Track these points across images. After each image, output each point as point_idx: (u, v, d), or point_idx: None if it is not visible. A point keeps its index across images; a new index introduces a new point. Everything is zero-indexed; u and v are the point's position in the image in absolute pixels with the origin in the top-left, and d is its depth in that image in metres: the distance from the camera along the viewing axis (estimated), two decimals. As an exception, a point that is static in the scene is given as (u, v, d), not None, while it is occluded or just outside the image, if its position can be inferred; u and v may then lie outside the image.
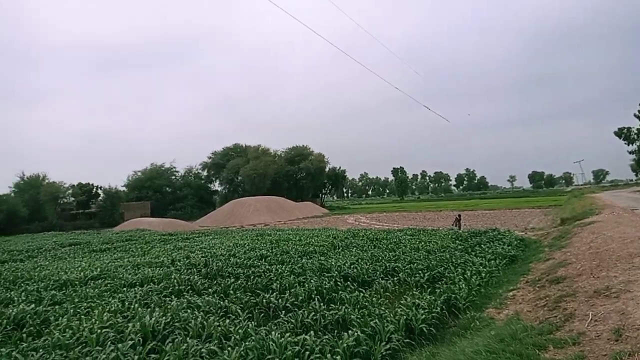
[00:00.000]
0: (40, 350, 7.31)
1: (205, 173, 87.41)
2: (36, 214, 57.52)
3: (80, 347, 7.36)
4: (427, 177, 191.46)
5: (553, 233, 21.56)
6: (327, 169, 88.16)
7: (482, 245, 18.05)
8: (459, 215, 28.35)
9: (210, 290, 11.91)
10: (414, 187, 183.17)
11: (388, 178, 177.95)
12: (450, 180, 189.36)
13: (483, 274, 12.62)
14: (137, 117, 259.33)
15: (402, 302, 9.92)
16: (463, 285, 11.19)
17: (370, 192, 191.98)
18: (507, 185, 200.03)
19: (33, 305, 10.44)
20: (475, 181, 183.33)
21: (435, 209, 62.48)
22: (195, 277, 13.70)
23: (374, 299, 10.49)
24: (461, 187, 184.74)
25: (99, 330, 8.00)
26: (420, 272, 13.21)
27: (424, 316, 8.74)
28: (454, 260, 14.84)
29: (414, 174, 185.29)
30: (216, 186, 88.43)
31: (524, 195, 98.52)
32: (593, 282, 8.59)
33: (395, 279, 12.83)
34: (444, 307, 9.60)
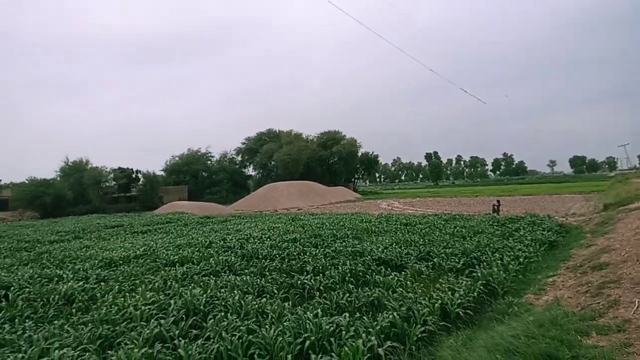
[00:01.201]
0: (89, 324, 7.74)
1: (239, 158, 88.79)
2: (80, 197, 60.19)
3: (125, 322, 7.75)
4: (462, 162, 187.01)
5: (595, 219, 20.76)
6: (359, 154, 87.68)
7: (521, 231, 17.64)
8: (498, 202, 27.71)
9: (246, 271, 12.22)
10: (448, 172, 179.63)
11: (422, 163, 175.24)
12: (487, 165, 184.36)
13: (521, 260, 12.36)
14: (172, 106, 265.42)
15: (437, 286, 9.87)
16: (500, 270, 11.00)
17: (403, 178, 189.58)
18: (546, 170, 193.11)
19: (81, 283, 11.04)
20: (513, 166, 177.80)
21: (471, 194, 61.14)
22: (232, 258, 14.07)
23: (408, 282, 10.49)
24: (498, 172, 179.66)
25: (142, 307, 8.38)
26: (455, 256, 13.07)
27: (459, 300, 8.69)
28: (491, 245, 14.57)
29: (448, 159, 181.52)
30: (250, 171, 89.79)
31: (564, 181, 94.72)
32: (639, 269, 8.27)
33: (429, 263, 12.76)
34: (480, 292, 9.50)
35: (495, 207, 26.49)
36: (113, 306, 8.65)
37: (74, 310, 8.88)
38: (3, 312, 8.83)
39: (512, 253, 13.17)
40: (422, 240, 16.13)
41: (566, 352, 5.06)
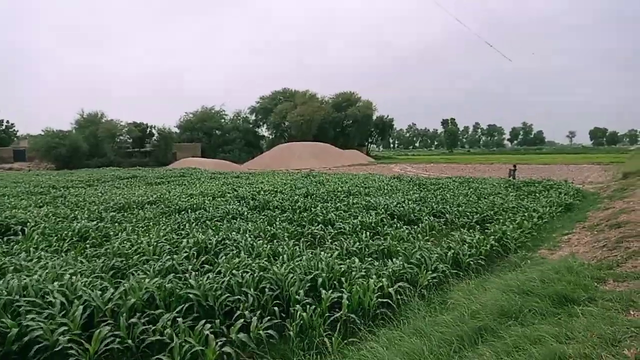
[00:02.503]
0: (102, 257, 7.84)
1: (253, 117, 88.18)
2: (95, 150, 60.76)
3: (138, 256, 7.83)
4: (480, 130, 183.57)
5: (614, 186, 20.31)
6: (374, 117, 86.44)
7: (537, 194, 17.37)
8: (514, 166, 27.26)
9: (258, 220, 12.23)
10: (464, 140, 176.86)
11: (437, 130, 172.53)
12: (505, 134, 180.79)
13: (536, 219, 12.17)
14: (194, 61, 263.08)
15: (448, 240, 9.77)
16: (514, 227, 10.86)
17: (417, 144, 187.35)
18: (565, 142, 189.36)
19: (95, 222, 11.18)
20: (531, 136, 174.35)
21: (486, 161, 60.40)
22: (244, 207, 14.12)
23: (419, 235, 10.43)
24: (515, 141, 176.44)
25: (155, 244, 8.46)
26: (468, 214, 12.93)
27: (471, 252, 8.61)
28: (505, 205, 14.37)
29: (465, 126, 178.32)
30: (263, 131, 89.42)
31: (582, 152, 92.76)
32: (660, 226, 8.05)
33: (442, 220, 12.66)
34: (493, 246, 9.39)
35: (511, 171, 26.08)
36: (126, 242, 8.74)
37: (87, 246, 9.01)
38: (19, 244, 9.02)
39: (527, 213, 12.97)
40: (435, 199, 15.97)
41: (582, 294, 4.95)
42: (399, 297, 6.26)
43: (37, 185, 22.13)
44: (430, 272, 7.28)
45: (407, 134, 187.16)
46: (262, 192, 18.00)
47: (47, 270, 6.54)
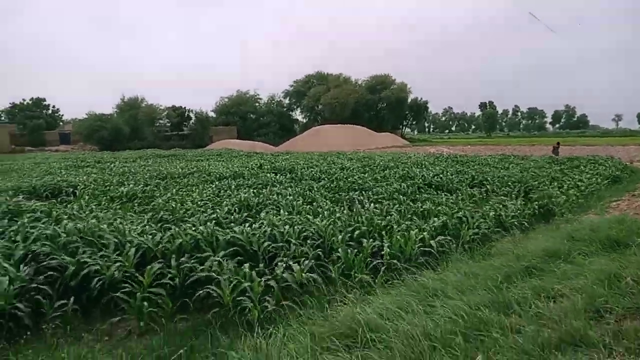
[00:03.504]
0: (150, 212, 8.16)
1: (287, 101, 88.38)
2: (136, 133, 62.64)
3: (183, 211, 8.10)
4: (519, 114, 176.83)
5: (666, 162, 19.26)
6: (409, 100, 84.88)
7: (582, 168, 16.72)
8: (558, 143, 26.24)
9: (296, 187, 12.36)
10: (503, 123, 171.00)
11: (475, 113, 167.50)
12: (546, 117, 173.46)
13: (582, 188, 11.75)
14: (224, 48, 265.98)
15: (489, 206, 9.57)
16: (559, 193, 10.54)
17: (453, 128, 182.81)
18: (610, 126, 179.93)
19: (141, 186, 11.62)
20: (575, 119, 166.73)
21: (527, 143, 58.44)
22: (281, 177, 14.31)
23: (460, 202, 10.27)
24: (557, 125, 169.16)
25: (199, 202, 8.73)
26: (510, 184, 12.62)
27: (514, 214, 8.44)
28: (549, 176, 13.94)
29: (504, 110, 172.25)
30: (297, 114, 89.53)
31: (630, 135, 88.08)
32: None
33: (482, 189, 12.42)
34: (536, 210, 9.16)
35: (555, 148, 25.12)
36: (171, 201, 9.05)
37: (135, 204, 9.39)
38: (72, 203, 9.51)
39: (572, 182, 12.54)
40: (474, 172, 15.66)
41: (634, 239, 4.77)
42: (440, 248, 6.22)
43: (83, 160, 23.16)
44: (472, 229, 7.20)
45: (443, 118, 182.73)
46: (298, 166, 18.15)
47: (99, 219, 6.87)
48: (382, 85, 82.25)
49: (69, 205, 9.26)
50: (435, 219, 7.69)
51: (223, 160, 24.65)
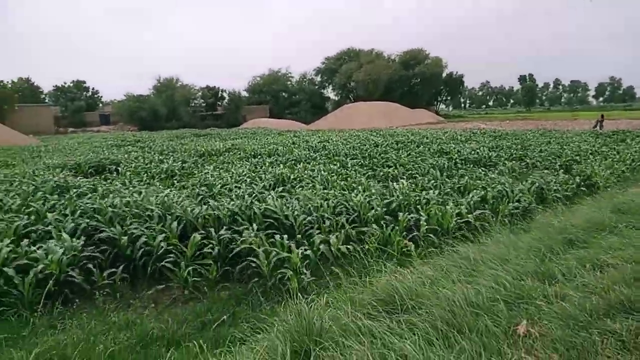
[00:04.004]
0: (189, 187, 8.39)
1: (318, 79, 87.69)
2: (172, 113, 64.07)
3: (220, 186, 8.29)
4: (561, 87, 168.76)
5: None
6: (444, 75, 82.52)
7: (627, 142, 15.93)
8: (602, 116, 25.00)
9: (330, 164, 12.38)
10: (543, 97, 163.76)
11: (513, 87, 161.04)
12: (589, 90, 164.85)
13: (629, 162, 11.22)
14: (254, 27, 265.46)
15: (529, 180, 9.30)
16: (603, 167, 10.11)
17: (491, 103, 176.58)
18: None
19: (180, 163, 11.94)
20: (620, 92, 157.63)
21: (569, 118, 55.97)
22: (315, 154, 14.34)
23: (498, 177, 10.03)
24: (601, 98, 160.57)
25: (235, 177, 8.90)
26: (551, 158, 12.20)
27: (556, 187, 8.18)
28: (592, 149, 13.36)
29: (545, 83, 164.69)
30: (329, 92, 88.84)
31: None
32: None
33: (522, 163, 12.07)
34: (579, 183, 8.84)
35: (598, 122, 23.97)
36: (209, 177, 9.26)
37: (175, 181, 9.67)
38: (115, 179, 9.89)
39: (618, 156, 11.99)
40: (514, 146, 15.20)
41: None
42: (479, 222, 6.12)
43: (123, 140, 23.94)
44: (512, 203, 7.04)
45: (480, 93, 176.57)
46: (331, 143, 18.13)
47: (142, 194, 7.12)
48: (416, 60, 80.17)
49: (112, 182, 9.65)
50: (474, 192, 7.56)
51: (257, 139, 24.89)
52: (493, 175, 9.80)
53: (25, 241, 5.22)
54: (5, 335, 4.03)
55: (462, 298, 2.70)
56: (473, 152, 13.74)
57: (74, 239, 5.29)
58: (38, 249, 4.99)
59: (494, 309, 2.65)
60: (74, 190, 7.97)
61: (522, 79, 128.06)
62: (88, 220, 5.93)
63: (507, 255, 4.01)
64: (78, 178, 9.95)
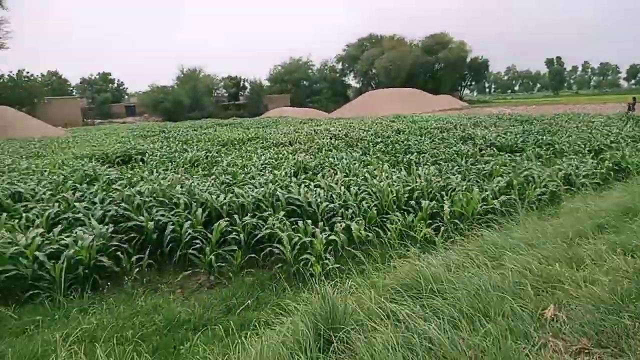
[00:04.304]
0: (213, 175, 8.50)
1: (339, 66, 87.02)
2: (195, 104, 64.82)
3: (243, 175, 8.37)
4: (590, 70, 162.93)
5: None
6: (468, 59, 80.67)
7: (663, 125, 15.34)
8: (634, 99, 24.07)
9: (352, 151, 12.34)
10: (571, 81, 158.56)
11: (540, 71, 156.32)
12: (621, 72, 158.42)
13: (664, 146, 10.81)
14: (276, 13, 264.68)
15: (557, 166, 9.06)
16: (635, 153, 9.76)
17: (517, 88, 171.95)
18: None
19: (204, 152, 12.10)
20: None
21: (598, 101, 54.16)
22: (337, 142, 14.30)
23: (525, 162, 9.80)
24: (633, 81, 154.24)
25: (258, 165, 8.97)
26: (580, 143, 11.85)
27: (585, 173, 7.95)
28: (623, 134, 12.90)
29: (573, 66, 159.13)
30: (350, 79, 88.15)
31: None
32: None
33: (550, 149, 11.75)
34: (610, 168, 8.56)
35: (630, 105, 23.10)
36: (233, 165, 9.36)
37: (199, 169, 9.81)
38: (141, 168, 10.10)
39: (652, 140, 11.56)
40: (541, 131, 14.81)
41: None
42: (504, 208, 6.01)
43: (149, 130, 24.38)
44: (539, 188, 6.89)
45: (505, 77, 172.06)
46: (353, 130, 18.04)
47: (168, 182, 7.25)
48: (440, 45, 78.54)
49: (138, 171, 9.86)
50: (499, 178, 7.42)
51: (278, 127, 24.97)
52: (519, 161, 9.59)
53: (58, 228, 5.40)
54: (39, 317, 4.21)
55: (487, 282, 2.67)
56: (499, 136, 13.46)
57: (102, 226, 5.44)
58: (68, 236, 5.16)
59: (520, 293, 2.61)
60: (103, 179, 8.19)
61: (549, 62, 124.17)
62: (116, 208, 6.08)
63: (534, 240, 3.93)
64: (106, 167, 10.21)
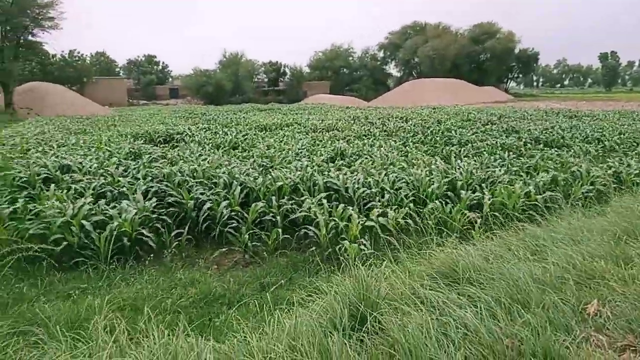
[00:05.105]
0: (251, 157, 8.63)
1: (381, 54, 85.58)
2: (236, 88, 65.75)
3: (281, 159, 8.45)
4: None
5: None
6: (516, 51, 77.49)
7: None
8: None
9: (390, 140, 12.20)
10: (626, 77, 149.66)
11: (592, 66, 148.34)
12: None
13: None
14: (314, 5, 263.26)
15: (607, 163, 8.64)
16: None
17: (566, 82, 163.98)
18: None
19: (242, 135, 12.29)
20: None
21: (656, 99, 50.96)
22: (375, 130, 14.18)
23: (571, 158, 9.40)
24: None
25: (296, 150, 9.02)
26: (632, 140, 11.25)
27: (637, 172, 7.53)
28: (683, 132, 12.15)
29: (629, 61, 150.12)
30: (391, 68, 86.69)
31: None
32: None
33: (599, 146, 11.21)
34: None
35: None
36: (271, 148, 9.47)
37: (237, 152, 9.98)
38: (181, 148, 10.39)
39: None
40: (590, 127, 14.13)
41: None
42: (548, 204, 5.80)
43: (190, 113, 25.00)
44: (585, 185, 6.60)
45: (555, 71, 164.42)
46: (391, 119, 17.83)
47: (208, 162, 7.43)
48: (487, 35, 75.81)
49: (179, 151, 10.14)
50: (544, 174, 7.15)
51: (316, 114, 25.01)
52: (566, 157, 9.21)
53: (102, 201, 5.65)
54: (84, 285, 4.44)
55: (528, 274, 2.59)
56: (545, 131, 12.96)
57: (146, 201, 5.65)
58: (113, 207, 5.39)
59: (562, 287, 2.52)
60: (146, 157, 8.48)
61: (603, 56, 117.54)
62: (158, 185, 6.29)
63: (578, 236, 3.78)
64: (149, 146, 10.56)
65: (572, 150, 10.31)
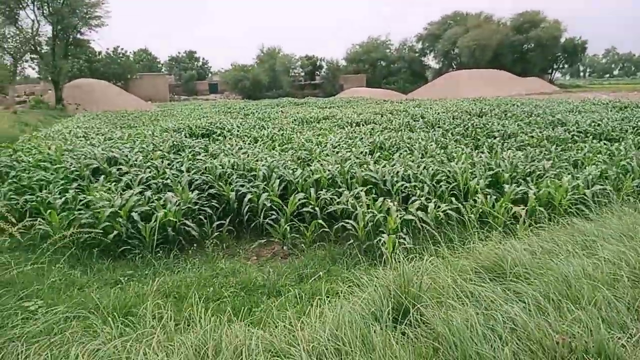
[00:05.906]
0: (290, 150, 8.71)
1: (419, 45, 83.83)
2: (273, 83, 66.34)
3: (319, 151, 8.48)
4: None
5: None
6: (562, 40, 73.97)
7: None
8: None
9: (429, 132, 12.00)
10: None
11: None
12: None
13: None
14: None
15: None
16: None
17: (616, 72, 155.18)
18: None
19: (279, 129, 12.41)
20: None
21: None
22: (414, 122, 13.97)
23: (621, 151, 8.93)
24: None
25: (333, 143, 9.03)
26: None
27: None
28: None
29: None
30: (429, 60, 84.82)
31: None
32: None
33: (653, 138, 10.59)
34: None
35: None
36: (308, 142, 9.51)
37: (276, 145, 10.09)
38: (222, 142, 10.61)
39: None
40: (643, 118, 13.36)
41: None
42: (597, 199, 5.54)
43: (229, 107, 25.45)
44: (637, 179, 6.26)
45: (604, 60, 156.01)
46: (431, 112, 17.49)
47: (247, 156, 7.56)
48: (531, 24, 72.75)
49: (219, 144, 10.36)
50: (593, 167, 6.83)
51: (353, 107, 24.89)
52: (616, 149, 8.76)
53: (148, 192, 5.86)
54: (130, 271, 4.63)
55: (578, 270, 2.49)
56: (594, 123, 12.37)
57: (190, 193, 5.82)
58: (158, 199, 5.58)
59: (614, 284, 2.41)
60: (188, 150, 8.72)
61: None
62: (201, 177, 6.47)
63: (632, 232, 3.59)
64: (191, 139, 10.85)
65: (623, 143, 9.79)
